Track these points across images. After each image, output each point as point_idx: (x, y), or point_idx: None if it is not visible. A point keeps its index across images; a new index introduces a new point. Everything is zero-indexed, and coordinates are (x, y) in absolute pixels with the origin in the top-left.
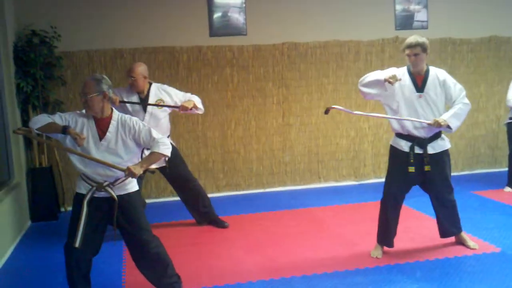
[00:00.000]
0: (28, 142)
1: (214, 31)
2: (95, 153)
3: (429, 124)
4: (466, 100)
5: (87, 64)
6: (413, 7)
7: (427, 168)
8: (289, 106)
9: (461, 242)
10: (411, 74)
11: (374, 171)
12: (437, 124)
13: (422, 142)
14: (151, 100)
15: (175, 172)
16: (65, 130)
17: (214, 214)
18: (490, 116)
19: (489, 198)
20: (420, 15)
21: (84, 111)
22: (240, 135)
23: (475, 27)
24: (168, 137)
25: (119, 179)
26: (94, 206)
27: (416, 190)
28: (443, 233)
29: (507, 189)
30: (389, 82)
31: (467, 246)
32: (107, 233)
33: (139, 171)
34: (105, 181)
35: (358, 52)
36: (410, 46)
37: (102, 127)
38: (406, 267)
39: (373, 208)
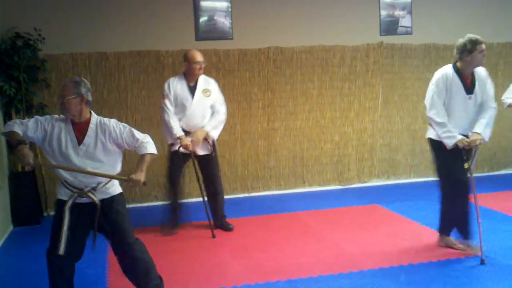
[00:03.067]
0: (10, 146)
1: (200, 35)
2: (74, 159)
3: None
4: (494, 104)
5: (72, 67)
6: (397, 12)
7: (465, 165)
8: (274, 110)
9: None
10: (460, 74)
11: (358, 176)
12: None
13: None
14: (199, 88)
15: (213, 162)
16: (17, 145)
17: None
18: None
19: (472, 203)
20: (405, 21)
21: (62, 116)
22: (225, 139)
23: (458, 33)
24: None
25: (100, 183)
26: (76, 212)
27: (400, 194)
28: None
29: None
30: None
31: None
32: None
33: (141, 177)
34: (87, 187)
35: (343, 57)
36: (483, 42)
37: (80, 131)
38: (390, 271)
39: (357, 212)
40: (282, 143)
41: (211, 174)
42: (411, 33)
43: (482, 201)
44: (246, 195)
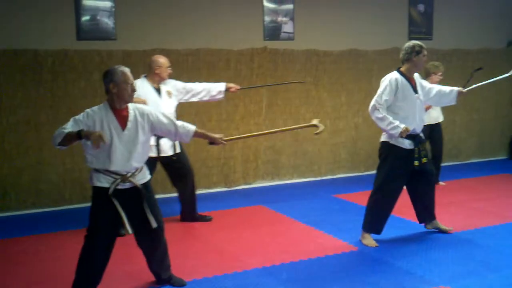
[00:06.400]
0: None
1: (81, 35)
2: (118, 145)
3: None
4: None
5: None
6: (280, 19)
7: (424, 160)
8: None
9: (436, 227)
10: (406, 77)
11: (244, 177)
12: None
13: (420, 138)
14: (163, 89)
15: (183, 161)
16: (79, 134)
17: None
18: (350, 124)
19: (348, 201)
20: (287, 27)
21: (96, 107)
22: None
23: (336, 40)
24: None
25: (138, 169)
26: (118, 197)
27: (283, 194)
28: (424, 219)
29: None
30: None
31: (443, 230)
32: None
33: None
34: (128, 173)
35: (229, 60)
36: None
37: (122, 117)
38: (273, 269)
39: (242, 213)
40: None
41: (179, 173)
42: (293, 39)
43: (356, 199)
44: None
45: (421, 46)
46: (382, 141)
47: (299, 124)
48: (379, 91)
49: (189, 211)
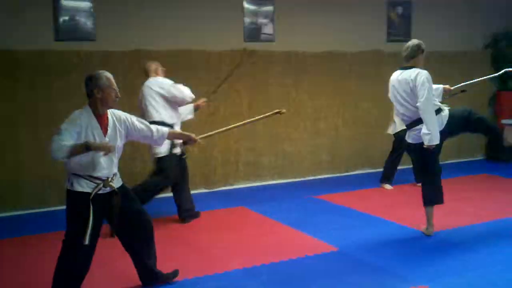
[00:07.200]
0: None
1: (60, 35)
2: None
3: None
4: None
5: None
6: (260, 20)
7: None
8: (139, 115)
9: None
10: None
11: (224, 179)
12: None
13: None
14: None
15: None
16: (88, 148)
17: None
18: (330, 125)
19: (329, 201)
20: (267, 29)
21: (78, 112)
22: None
23: (316, 42)
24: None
25: (116, 173)
26: (98, 202)
27: (264, 196)
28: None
29: (387, 186)
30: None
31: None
32: None
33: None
34: (108, 177)
35: (209, 61)
36: None
37: (104, 124)
38: (254, 270)
39: (223, 215)
40: (148, 147)
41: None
42: (273, 41)
43: (337, 199)
44: None
45: (424, 47)
46: (422, 143)
47: (280, 125)
48: (426, 86)
49: (192, 207)
